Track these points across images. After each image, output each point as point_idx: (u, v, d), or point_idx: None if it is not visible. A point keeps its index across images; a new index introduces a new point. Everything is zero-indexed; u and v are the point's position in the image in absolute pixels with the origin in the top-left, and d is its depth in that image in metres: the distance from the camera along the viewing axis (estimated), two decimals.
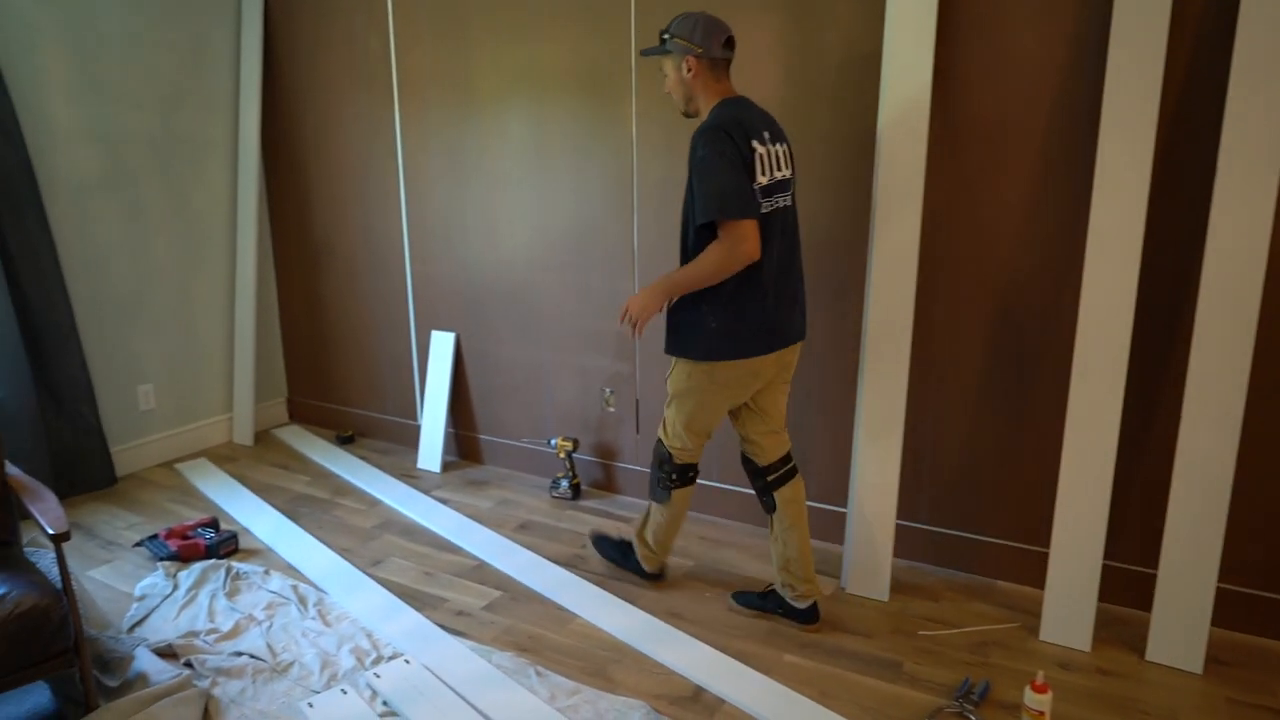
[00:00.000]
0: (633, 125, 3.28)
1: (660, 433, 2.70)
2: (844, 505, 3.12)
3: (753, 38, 2.96)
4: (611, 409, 3.60)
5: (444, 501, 3.64)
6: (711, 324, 2.42)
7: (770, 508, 2.67)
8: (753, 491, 2.99)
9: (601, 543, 3.08)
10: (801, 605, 2.67)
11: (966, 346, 2.83)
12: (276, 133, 4.32)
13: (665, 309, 2.51)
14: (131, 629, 2.68)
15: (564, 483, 3.65)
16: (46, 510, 2.16)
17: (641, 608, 2.79)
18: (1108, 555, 2.71)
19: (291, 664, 2.50)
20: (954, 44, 2.63)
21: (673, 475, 2.70)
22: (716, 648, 2.57)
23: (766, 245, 2.35)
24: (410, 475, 3.95)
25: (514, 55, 3.50)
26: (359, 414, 4.44)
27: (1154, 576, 2.59)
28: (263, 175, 4.40)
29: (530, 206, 3.61)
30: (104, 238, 3.79)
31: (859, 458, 2.82)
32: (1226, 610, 2.57)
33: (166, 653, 2.53)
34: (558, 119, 3.45)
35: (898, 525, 3.02)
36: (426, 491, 3.75)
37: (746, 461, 2.70)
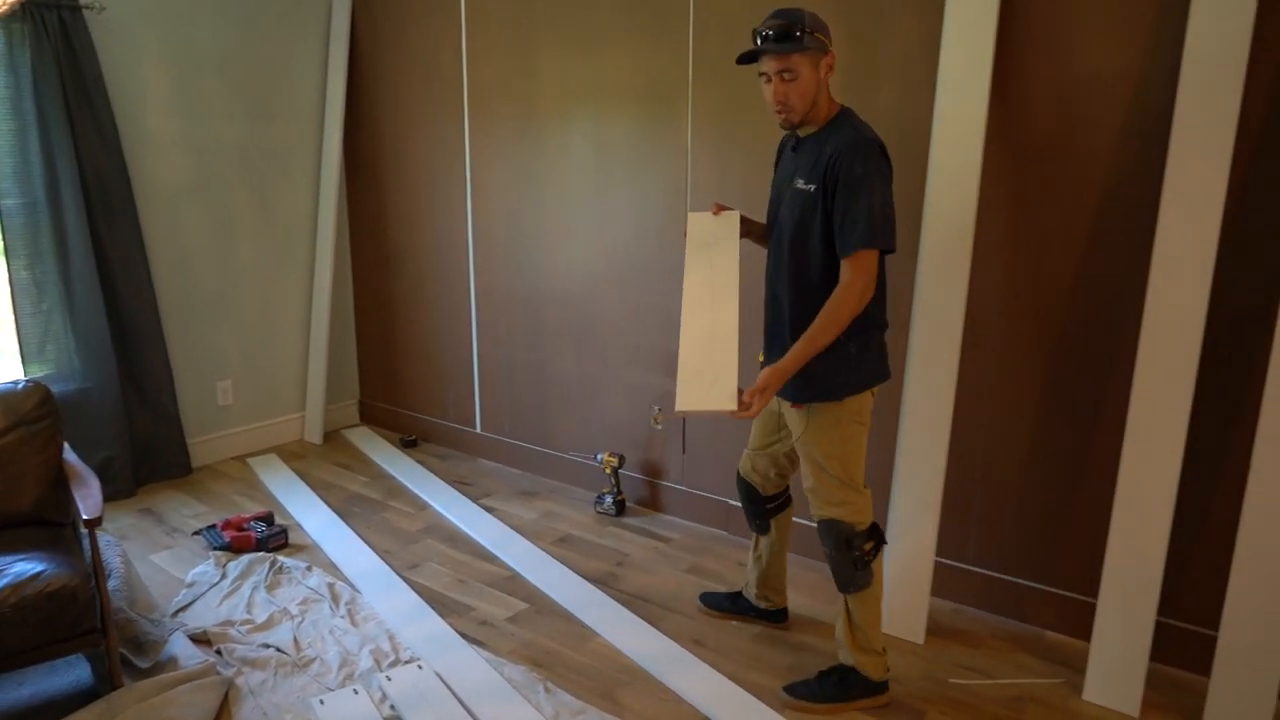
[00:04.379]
0: (688, 139, 3.25)
1: (823, 513, 2.29)
2: None
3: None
4: (659, 426, 3.56)
5: (490, 510, 3.68)
6: (852, 349, 2.17)
7: (764, 530, 2.69)
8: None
9: (802, 688, 2.40)
10: (773, 609, 2.78)
11: (1020, 380, 2.67)
12: (357, 144, 4.49)
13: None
14: (175, 614, 2.81)
15: (608, 498, 3.63)
16: (87, 496, 2.29)
17: (665, 632, 2.74)
18: (1165, 612, 2.49)
19: (313, 660, 2.56)
20: (1015, 60, 2.50)
21: (867, 546, 2.27)
22: (732, 679, 2.49)
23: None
24: (463, 482, 4.01)
25: (576, 69, 3.52)
26: (423, 419, 4.54)
27: (1214, 639, 2.36)
28: (343, 185, 4.58)
29: (588, 221, 3.62)
30: (192, 241, 4.01)
31: (898, 487, 2.69)
32: None
33: (201, 639, 2.64)
34: (616, 133, 3.46)
35: (940, 564, 2.86)
36: (476, 499, 3.80)
37: (748, 486, 2.63)
